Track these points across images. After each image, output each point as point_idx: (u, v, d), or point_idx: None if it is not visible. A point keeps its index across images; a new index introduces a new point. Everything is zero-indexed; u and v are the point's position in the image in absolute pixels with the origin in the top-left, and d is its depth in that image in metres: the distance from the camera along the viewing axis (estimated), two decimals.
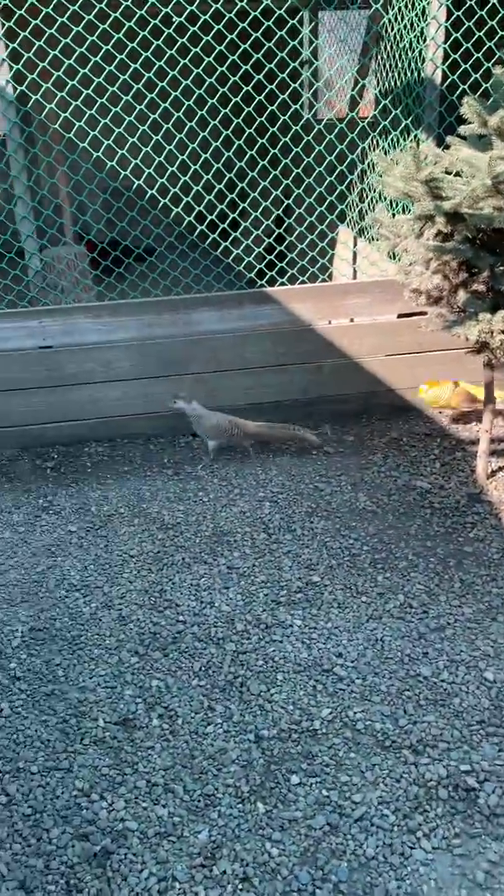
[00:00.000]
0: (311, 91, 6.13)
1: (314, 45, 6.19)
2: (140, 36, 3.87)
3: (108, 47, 3.83)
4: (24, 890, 1.97)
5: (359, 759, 2.31)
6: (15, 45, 3.62)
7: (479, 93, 3.24)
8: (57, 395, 4.16)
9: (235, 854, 2.05)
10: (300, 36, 6.21)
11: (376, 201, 4.55)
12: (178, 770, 2.30)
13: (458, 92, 3.59)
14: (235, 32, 4.07)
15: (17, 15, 3.69)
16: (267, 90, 4.08)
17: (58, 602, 3.04)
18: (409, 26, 4.26)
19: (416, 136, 4.27)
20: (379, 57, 4.63)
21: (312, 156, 4.46)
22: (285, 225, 4.70)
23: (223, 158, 4.60)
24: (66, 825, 2.13)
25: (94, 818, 2.15)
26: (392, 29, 4.51)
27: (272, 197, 4.77)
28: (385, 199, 4.33)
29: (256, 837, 2.09)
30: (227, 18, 3.85)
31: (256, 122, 4.30)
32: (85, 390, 4.17)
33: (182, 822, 2.14)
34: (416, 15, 4.15)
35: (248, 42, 4.12)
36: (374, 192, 4.62)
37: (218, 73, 4.14)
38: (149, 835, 2.11)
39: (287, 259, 4.61)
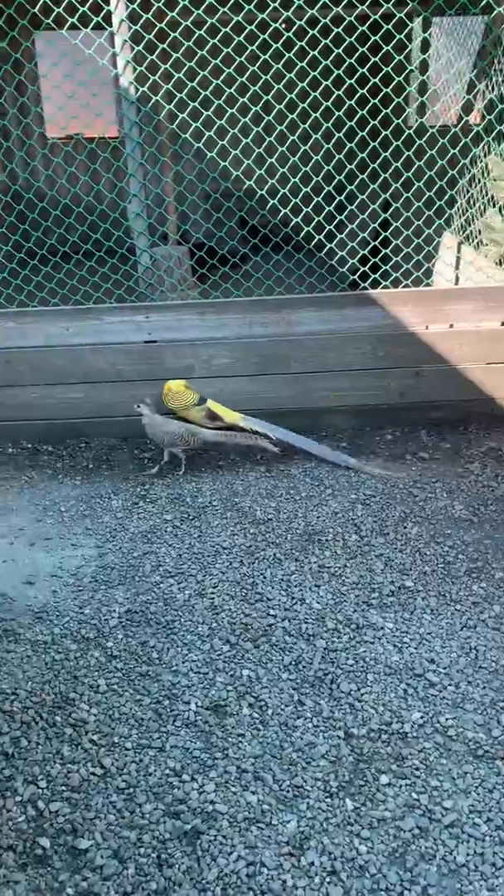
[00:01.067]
0: (425, 95, 6.08)
1: (430, 48, 6.14)
2: (259, 39, 3.93)
3: (228, 50, 3.91)
4: (117, 859, 2.03)
5: (450, 765, 2.28)
6: (140, 48, 3.74)
7: None
8: (157, 388, 4.26)
9: (323, 847, 2.05)
10: (417, 40, 6.17)
11: (486, 207, 4.47)
12: (268, 759, 2.32)
13: None
14: (354, 36, 4.09)
15: (143, 19, 3.81)
16: (382, 94, 4.08)
17: (153, 587, 3.12)
18: None
19: None
20: (497, 61, 4.56)
21: (424, 160, 4.42)
22: (391, 228, 4.67)
23: (333, 161, 4.62)
24: (158, 802, 2.19)
25: (185, 798, 2.20)
26: None
27: (380, 200, 4.75)
28: (496, 204, 4.25)
29: (345, 833, 2.10)
30: (346, 22, 3.87)
31: (369, 126, 4.30)
32: None
33: (271, 811, 2.16)
34: None
35: (367, 45, 4.13)
36: (485, 197, 4.55)
37: (334, 76, 4.16)
38: (238, 819, 2.14)
39: (392, 262, 4.59)
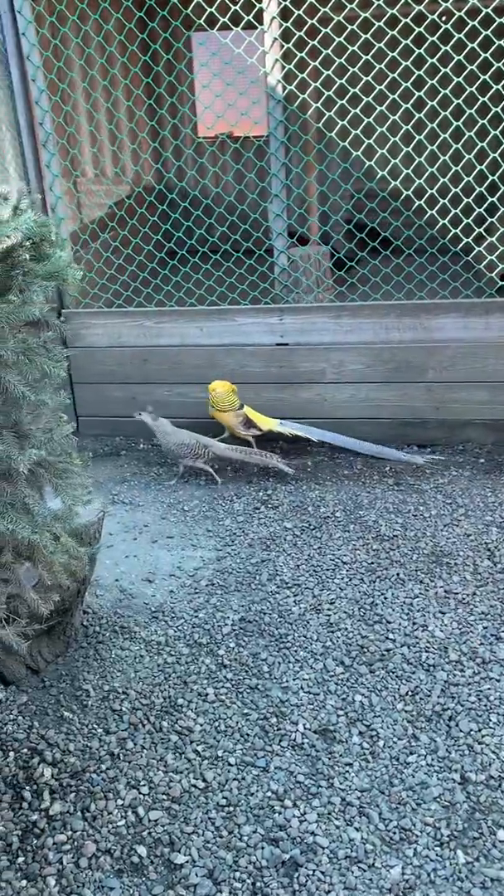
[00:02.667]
0: None
1: None
2: (414, 33, 3.76)
3: (381, 45, 3.76)
4: (212, 880, 1.98)
5: None
6: (290, 45, 3.68)
7: None
8: (287, 391, 4.20)
9: None
10: None
11: None
12: (375, 795, 2.19)
13: None
14: None
15: (294, 16, 3.75)
16: None
17: (268, 596, 3.06)
18: None
19: None
20: None
21: None
22: None
23: (487, 160, 4.36)
24: (258, 825, 2.12)
25: (286, 825, 2.11)
26: None
27: None
28: None
29: (454, 889, 1.94)
30: None
31: None
32: (314, 389, 4.17)
33: (374, 852, 2.04)
34: None
35: None
36: None
37: (494, 69, 3.92)
38: (339, 856, 2.03)
39: None
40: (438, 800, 2.17)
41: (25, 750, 2.37)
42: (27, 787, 2.23)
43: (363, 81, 3.83)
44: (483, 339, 3.92)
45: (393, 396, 4.10)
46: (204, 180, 6.24)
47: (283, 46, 3.60)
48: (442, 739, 2.36)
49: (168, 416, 4.36)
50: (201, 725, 2.45)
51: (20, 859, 2.04)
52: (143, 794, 2.22)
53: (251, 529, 3.53)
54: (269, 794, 2.21)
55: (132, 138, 6.36)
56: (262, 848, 2.05)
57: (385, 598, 3.01)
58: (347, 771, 2.27)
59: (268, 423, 4.03)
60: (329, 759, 2.32)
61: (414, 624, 2.86)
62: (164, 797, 2.21)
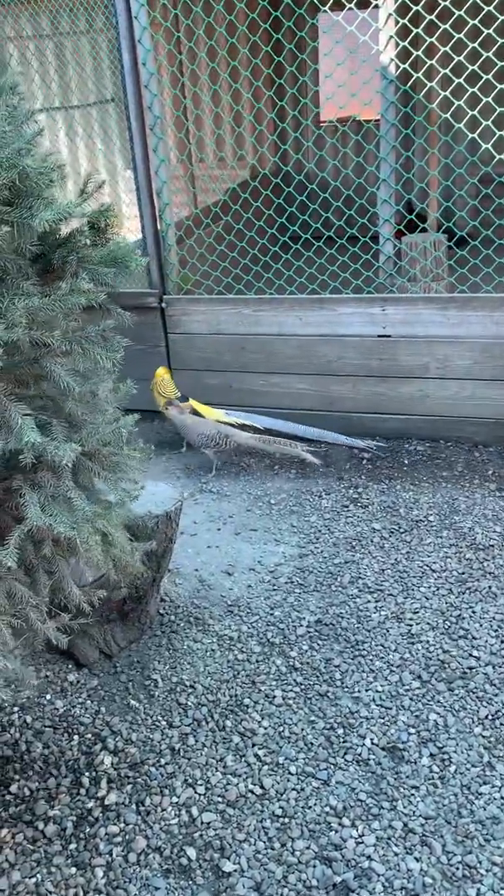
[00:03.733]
0: None
1: None
2: None
3: None
4: (258, 893, 1.91)
5: None
6: (405, 20, 3.48)
7: None
8: (387, 385, 4.04)
9: None
10: None
11: None
12: (441, 824, 2.05)
13: None
14: None
15: None
16: None
17: (348, 600, 2.94)
18: None
19: None
20: None
21: None
22: None
23: None
24: (312, 841, 2.03)
25: (341, 844, 2.02)
26: None
27: None
28: None
29: None
30: None
31: None
32: (415, 384, 3.98)
33: (433, 886, 1.90)
34: None
35: None
36: None
37: None
38: (394, 886, 1.91)
39: None
40: None
41: (90, 735, 2.38)
42: (86, 774, 2.24)
43: (482, 59, 3.57)
44: None
45: (501, 395, 3.85)
46: (309, 164, 6.09)
47: (397, 22, 3.41)
48: None
49: (261, 406, 4.30)
50: (265, 729, 2.38)
51: (72, 846, 2.05)
52: (199, 794, 2.18)
53: (337, 528, 3.42)
54: (327, 809, 2.12)
55: (252, 126, 6.30)
56: (314, 866, 1.97)
57: (473, 612, 2.83)
58: (413, 794, 2.14)
59: (213, 414, 4.01)
60: (395, 779, 2.19)
61: (502, 642, 2.67)
62: (220, 800, 2.16)
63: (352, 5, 3.46)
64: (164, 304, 4.23)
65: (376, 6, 3.45)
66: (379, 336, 3.97)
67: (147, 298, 4.24)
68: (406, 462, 3.93)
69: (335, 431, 4.15)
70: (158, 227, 4.10)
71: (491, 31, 3.65)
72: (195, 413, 4.02)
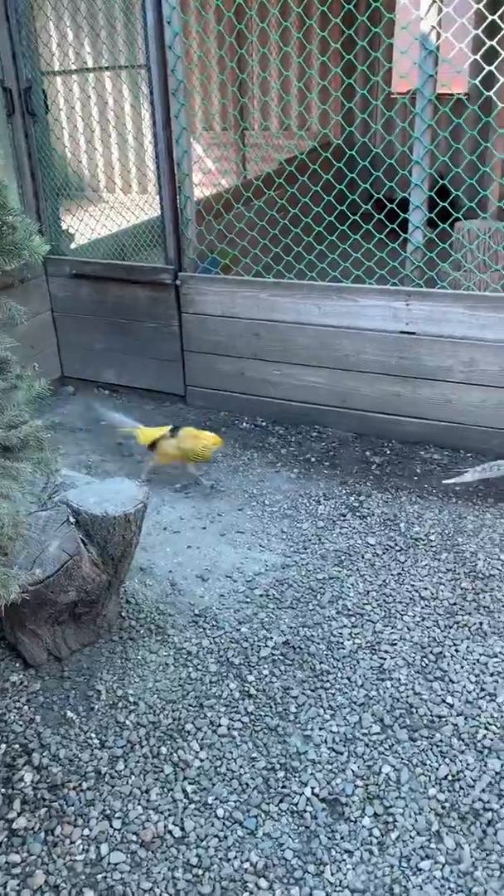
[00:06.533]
0: None
1: None
2: None
3: None
4: None
5: None
6: None
7: None
8: (407, 386, 3.74)
9: None
10: None
11: None
12: None
13: None
14: None
15: None
16: None
17: (323, 622, 2.71)
18: None
19: None
20: None
21: None
22: None
23: None
24: None
25: None
26: None
27: None
28: None
29: None
30: None
31: None
32: (438, 388, 3.67)
33: None
34: None
35: None
36: None
37: None
38: None
39: None
40: None
41: (17, 746, 2.24)
42: (2, 790, 2.10)
43: None
44: None
45: None
46: (358, 138, 5.69)
47: None
48: (470, 848, 1.94)
49: (274, 398, 4.07)
50: (201, 761, 2.20)
51: None
52: (114, 829, 2.01)
53: (329, 538, 3.18)
54: (246, 864, 1.92)
55: (305, 94, 5.93)
56: None
57: (457, 651, 2.56)
58: (345, 860, 1.93)
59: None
60: (329, 838, 1.98)
61: (481, 690, 2.40)
62: (134, 838, 1.99)
63: None
64: (178, 282, 4.01)
65: None
66: (402, 332, 3.66)
67: (162, 274, 4.02)
68: (418, 471, 3.64)
69: (349, 431, 3.89)
70: (177, 199, 3.86)
71: None
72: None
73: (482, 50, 3.20)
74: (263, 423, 4.12)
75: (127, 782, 2.13)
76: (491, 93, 3.32)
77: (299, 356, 3.89)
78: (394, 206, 3.81)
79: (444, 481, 3.36)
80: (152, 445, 3.49)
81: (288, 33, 6.47)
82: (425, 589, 2.85)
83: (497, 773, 2.13)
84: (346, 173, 3.73)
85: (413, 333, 3.64)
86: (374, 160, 4.54)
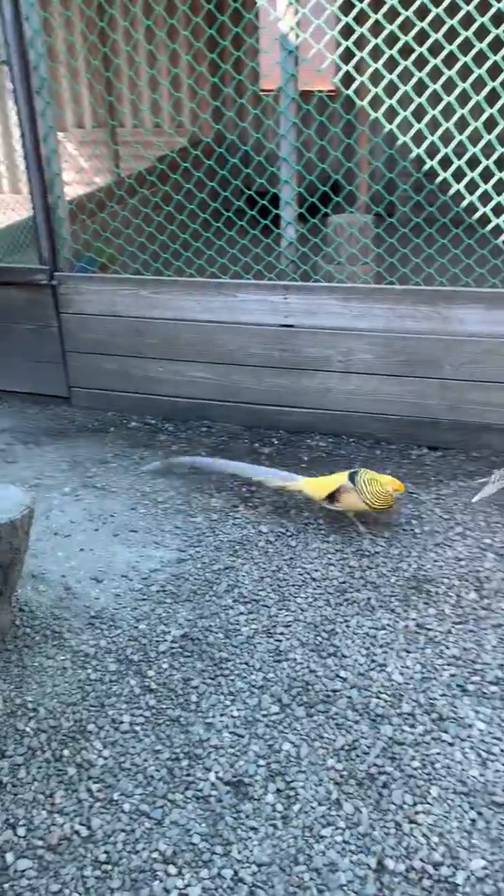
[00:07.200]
0: None
1: None
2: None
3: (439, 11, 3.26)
4: None
5: None
6: None
7: None
8: (290, 377, 3.85)
9: None
10: None
11: None
12: (274, 872, 1.91)
13: None
14: None
15: None
16: None
17: (220, 611, 2.77)
18: None
19: None
20: None
21: None
22: None
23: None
24: (133, 893, 1.86)
25: None
26: None
27: None
28: None
29: None
30: None
31: None
32: (319, 377, 3.80)
33: None
34: None
35: None
36: None
37: None
38: None
39: None
40: (345, 888, 1.87)
41: None
42: None
43: (401, 41, 3.33)
44: None
45: (403, 392, 3.70)
46: (229, 135, 5.80)
47: None
48: (368, 811, 2.05)
49: (161, 395, 4.09)
50: (105, 759, 2.20)
51: None
52: (19, 837, 1.99)
53: (223, 530, 3.23)
54: (154, 855, 1.95)
55: (176, 91, 5.96)
56: None
57: (348, 626, 2.68)
58: (250, 838, 1.99)
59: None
60: (234, 819, 2.04)
61: (372, 662, 2.53)
62: (40, 843, 1.98)
63: None
64: (55, 282, 3.95)
65: None
66: (282, 325, 3.76)
67: (37, 275, 3.96)
68: (306, 458, 3.76)
69: (239, 424, 3.97)
70: (48, 198, 3.80)
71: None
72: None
73: (339, 50, 3.32)
74: (153, 421, 4.13)
75: (30, 789, 2.11)
76: (350, 91, 3.46)
77: (183, 352, 3.93)
78: (265, 202, 3.90)
79: (472, 500, 3.28)
80: (330, 497, 3.12)
81: (152, 32, 6.46)
82: (316, 570, 2.96)
83: (390, 738, 2.25)
84: (217, 170, 3.79)
85: (292, 326, 3.75)
86: (246, 157, 4.63)
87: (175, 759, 2.21)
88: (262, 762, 2.19)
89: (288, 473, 3.30)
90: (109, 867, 1.92)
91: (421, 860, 1.92)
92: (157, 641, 2.64)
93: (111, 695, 2.42)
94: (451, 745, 2.23)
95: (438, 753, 2.20)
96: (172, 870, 1.91)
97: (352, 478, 3.09)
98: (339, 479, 3.13)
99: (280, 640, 2.63)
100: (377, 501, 3.05)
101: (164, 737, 2.28)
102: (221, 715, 2.35)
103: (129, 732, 2.30)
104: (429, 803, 2.06)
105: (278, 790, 2.11)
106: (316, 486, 3.19)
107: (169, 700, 2.41)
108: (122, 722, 2.33)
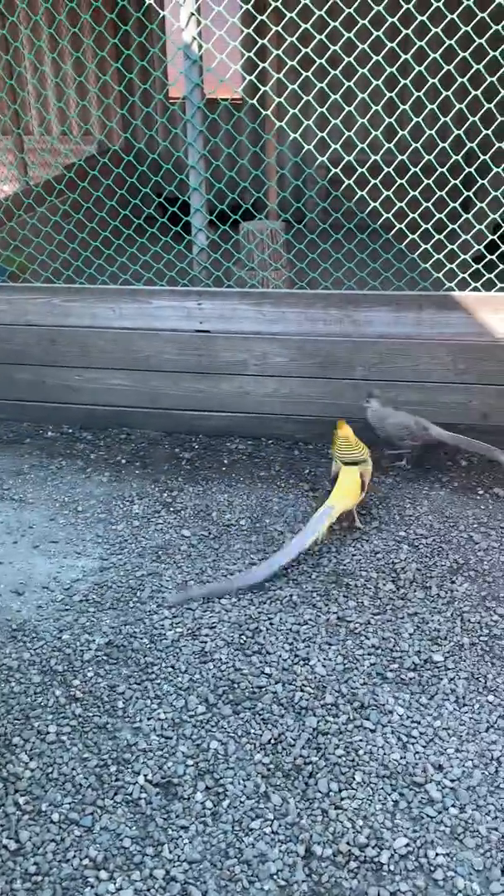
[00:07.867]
0: None
1: None
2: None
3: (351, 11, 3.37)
4: None
5: None
6: (249, 6, 3.27)
7: None
8: (207, 382, 3.89)
9: None
10: None
11: None
12: (206, 868, 1.94)
13: None
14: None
15: None
16: None
17: (144, 617, 2.78)
18: None
19: None
20: None
21: None
22: None
23: (451, 138, 3.96)
24: None
25: None
26: None
27: None
28: None
29: None
30: None
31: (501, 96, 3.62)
32: (236, 381, 3.86)
33: None
34: None
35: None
36: None
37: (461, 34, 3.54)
38: None
39: None
40: (275, 877, 1.92)
41: None
42: None
43: (316, 40, 3.43)
44: (415, 336, 3.60)
45: (319, 393, 3.79)
46: (139, 143, 5.81)
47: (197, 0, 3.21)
48: (295, 801, 2.10)
49: (78, 404, 4.06)
50: (31, 771, 2.19)
51: None
52: None
53: (145, 536, 3.24)
54: (86, 861, 1.95)
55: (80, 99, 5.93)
56: None
57: (271, 624, 2.73)
58: (181, 836, 2.02)
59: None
60: (164, 819, 2.06)
61: (295, 657, 2.59)
62: None
63: None
64: None
65: None
66: (197, 331, 3.80)
67: None
68: (226, 462, 3.80)
69: (159, 430, 3.98)
70: None
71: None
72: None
73: (242, 59, 3.40)
74: (70, 430, 4.10)
75: None
76: (254, 101, 3.53)
77: (100, 360, 3.91)
78: (175, 209, 3.94)
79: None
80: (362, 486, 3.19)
81: (55, 40, 6.41)
82: (239, 570, 3.01)
83: (314, 729, 2.31)
84: (126, 178, 3.81)
85: (207, 332, 3.79)
86: (154, 165, 4.65)
87: (103, 766, 2.21)
88: (190, 762, 2.22)
89: (320, 513, 3.03)
90: (40, 878, 1.91)
91: (347, 843, 1.99)
92: (82, 651, 2.63)
93: (36, 706, 2.40)
94: (372, 731, 2.31)
95: (361, 740, 2.28)
96: (104, 875, 1.92)
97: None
98: (343, 472, 3.18)
99: (205, 642, 2.66)
100: (345, 450, 3.20)
101: (92, 744, 2.28)
102: (149, 719, 2.36)
103: (56, 743, 2.28)
104: (353, 789, 2.13)
105: (207, 788, 2.15)
106: (345, 494, 3.15)
107: (95, 707, 2.40)
108: (48, 733, 2.31)
